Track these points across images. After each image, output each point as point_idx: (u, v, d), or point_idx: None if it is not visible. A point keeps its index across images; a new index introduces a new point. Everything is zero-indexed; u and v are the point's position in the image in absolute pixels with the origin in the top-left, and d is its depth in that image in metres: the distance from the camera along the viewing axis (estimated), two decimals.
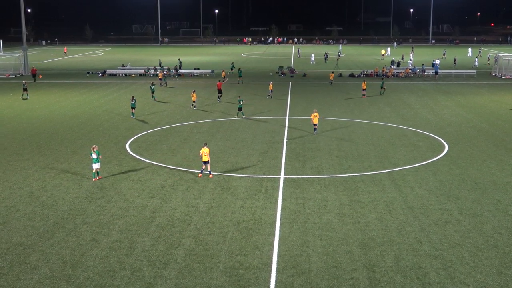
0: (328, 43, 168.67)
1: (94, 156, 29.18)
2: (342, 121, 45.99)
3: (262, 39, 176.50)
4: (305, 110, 50.97)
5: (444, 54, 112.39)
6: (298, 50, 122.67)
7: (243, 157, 33.93)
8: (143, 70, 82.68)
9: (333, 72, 75.37)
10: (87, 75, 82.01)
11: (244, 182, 29.14)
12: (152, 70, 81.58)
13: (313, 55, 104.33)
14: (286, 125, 44.27)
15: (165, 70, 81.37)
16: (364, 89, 58.87)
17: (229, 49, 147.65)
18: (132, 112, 47.59)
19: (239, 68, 76.50)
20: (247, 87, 67.68)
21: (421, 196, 26.83)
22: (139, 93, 62.75)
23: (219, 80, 61.75)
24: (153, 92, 57.54)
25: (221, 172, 30.84)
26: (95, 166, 29.33)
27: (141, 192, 27.55)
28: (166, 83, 69.14)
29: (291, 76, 78.94)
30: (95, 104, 55.14)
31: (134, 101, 47.90)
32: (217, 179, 29.57)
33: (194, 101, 51.93)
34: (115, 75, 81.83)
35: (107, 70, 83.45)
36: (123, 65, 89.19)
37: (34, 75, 74.61)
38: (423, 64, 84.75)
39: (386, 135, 40.55)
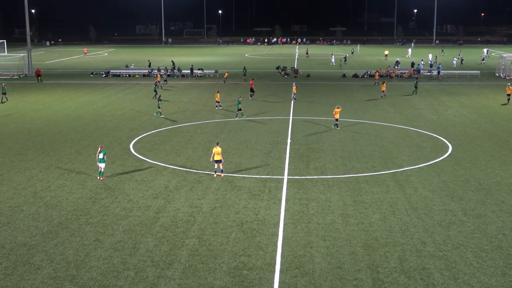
0: (332, 44, 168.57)
1: (100, 156, 29.27)
2: (346, 121, 45.94)
3: (266, 39, 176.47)
4: (309, 111, 50.93)
5: (442, 51, 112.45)
6: (306, 51, 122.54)
7: (247, 158, 33.93)
8: (147, 71, 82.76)
9: (377, 72, 74.74)
10: (91, 75, 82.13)
11: (248, 182, 29.14)
12: (156, 71, 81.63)
13: (333, 56, 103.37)
14: (290, 125, 44.24)
15: (168, 71, 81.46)
16: (383, 91, 58.83)
17: (232, 49, 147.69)
18: (158, 111, 47.72)
19: (244, 67, 76.51)
20: (248, 87, 67.56)
21: (425, 197, 26.78)
22: (143, 93, 62.84)
23: (252, 79, 63.13)
24: (155, 91, 57.87)
25: (224, 173, 30.83)
26: (101, 165, 29.44)
27: (144, 192, 27.57)
28: (166, 81, 69.62)
29: (295, 77, 78.87)
30: (99, 105, 55.23)
31: (160, 101, 48.10)
32: (220, 180, 29.58)
33: (218, 102, 51.89)
34: (119, 75, 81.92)
35: (111, 71, 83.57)
36: (126, 66, 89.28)
37: (38, 75, 74.80)
38: (432, 63, 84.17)
39: (390, 136, 40.49)
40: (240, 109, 47.06)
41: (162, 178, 29.94)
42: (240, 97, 49.22)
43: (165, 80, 70.11)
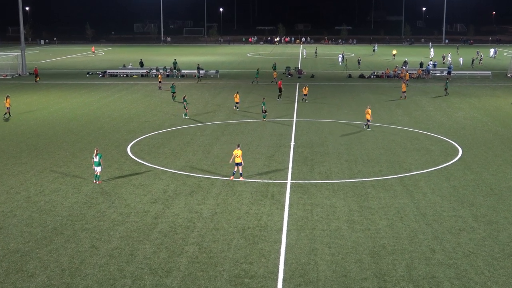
0: (338, 43, 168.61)
1: (96, 159, 29.29)
2: (352, 123, 45.93)
3: (269, 38, 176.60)
4: (313, 113, 50.93)
5: (457, 51, 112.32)
6: (315, 50, 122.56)
7: (249, 161, 33.90)
8: (145, 71, 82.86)
9: (405, 72, 74.37)
10: (87, 75, 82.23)
11: (250, 187, 29.11)
12: (154, 71, 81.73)
13: (340, 55, 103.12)
14: (294, 128, 44.23)
15: (168, 71, 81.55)
16: (404, 91, 58.82)
17: (234, 49, 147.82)
18: (185, 113, 47.93)
19: (258, 69, 76.53)
20: (253, 88, 67.67)
21: (434, 202, 26.73)
22: (141, 94, 62.90)
23: (281, 79, 63.35)
24: (174, 92, 57.98)
25: (225, 177, 30.83)
26: (97, 169, 29.46)
27: (142, 197, 27.56)
28: (200, 78, 72.08)
29: (299, 77, 78.91)
30: (95, 106, 55.29)
31: (185, 101, 48.16)
32: (221, 184, 29.57)
33: (237, 103, 52.20)
34: (116, 75, 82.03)
35: (108, 71, 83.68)
36: (124, 66, 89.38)
37: (36, 75, 74.95)
38: (443, 62, 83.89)
39: (398, 139, 40.45)
40: (264, 110, 46.98)
41: (160, 182, 29.92)
42: (264, 98, 48.83)
43: (199, 77, 74.60)
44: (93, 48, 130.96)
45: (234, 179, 30.18)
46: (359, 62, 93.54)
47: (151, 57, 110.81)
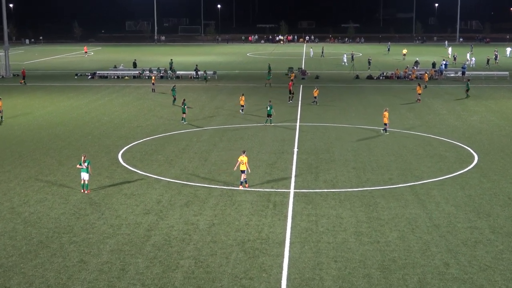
0: (344, 42, 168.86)
1: (84, 165, 29.32)
2: (360, 128, 45.95)
3: (270, 37, 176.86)
4: (318, 116, 50.95)
5: (471, 50, 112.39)
6: (322, 50, 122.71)
7: (249, 169, 33.85)
8: (137, 72, 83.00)
9: (426, 73, 74.37)
10: (76, 77, 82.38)
11: (250, 196, 29.10)
12: (147, 72, 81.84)
13: (345, 55, 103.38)
14: (297, 133, 44.25)
15: (162, 72, 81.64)
16: (419, 94, 58.84)
17: (233, 48, 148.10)
18: (182, 117, 47.83)
19: (269, 70, 76.48)
20: (252, 91, 67.74)
21: (448, 213, 26.72)
22: (133, 97, 62.95)
23: (291, 80, 63.90)
24: (174, 96, 57.58)
25: (224, 186, 30.83)
26: (84, 177, 29.47)
27: (134, 207, 27.55)
28: (206, 79, 72.97)
29: (302, 78, 78.99)
30: (84, 110, 55.34)
31: (184, 105, 47.95)
32: (219, 193, 29.56)
33: (242, 106, 52.38)
34: (106, 77, 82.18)
35: (98, 72, 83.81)
36: (115, 66, 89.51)
37: (24, 77, 75.01)
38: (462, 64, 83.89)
39: (409, 144, 40.46)
40: (270, 115, 46.88)
41: (154, 192, 29.92)
42: (270, 101, 48.77)
43: (205, 78, 75.27)
44: (85, 47, 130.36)
45: (242, 188, 30.27)
46: (369, 63, 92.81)
47: (144, 57, 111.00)
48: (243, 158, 30.22)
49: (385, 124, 43.67)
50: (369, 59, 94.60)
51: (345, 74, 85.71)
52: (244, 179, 30.53)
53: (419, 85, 61.03)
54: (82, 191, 29.68)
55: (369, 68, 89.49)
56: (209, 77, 77.24)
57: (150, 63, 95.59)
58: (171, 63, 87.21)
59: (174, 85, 61.12)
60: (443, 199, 28.64)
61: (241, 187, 30.39)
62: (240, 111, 52.56)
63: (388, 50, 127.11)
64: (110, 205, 27.87)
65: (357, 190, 30.22)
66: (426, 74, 72.96)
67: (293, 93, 59.44)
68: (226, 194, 29.44)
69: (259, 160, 36.06)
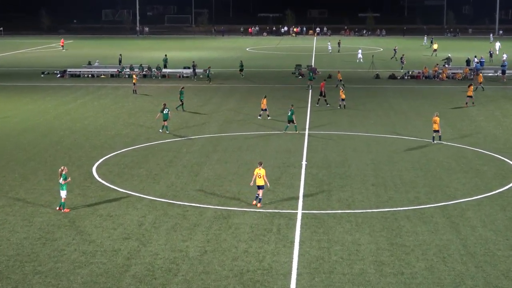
0: (362, 35, 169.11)
1: (60, 180, 29.49)
2: (380, 137, 45.94)
3: (274, 28, 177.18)
4: (331, 123, 50.95)
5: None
6: (339, 44, 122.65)
7: (248, 186, 33.85)
8: (116, 70, 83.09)
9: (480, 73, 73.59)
10: (42, 76, 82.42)
11: (249, 218, 29.08)
12: (128, 70, 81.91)
13: (360, 51, 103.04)
14: (306, 142, 44.27)
15: (145, 70, 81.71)
16: (469, 96, 58.70)
17: (230, 42, 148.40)
18: (163, 125, 47.44)
19: (310, 68, 76.17)
20: (250, 92, 67.81)
21: (486, 239, 26.68)
22: (110, 100, 63.00)
23: (324, 80, 64.44)
24: (182, 100, 56.83)
25: (218, 206, 30.80)
26: (62, 193, 29.67)
27: (112, 231, 27.52)
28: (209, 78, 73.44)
29: (313, 78, 78.91)
30: (52, 114, 55.38)
31: (166, 110, 47.47)
32: (212, 215, 29.54)
33: (264, 109, 52.42)
34: (79, 75, 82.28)
35: (69, 70, 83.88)
36: (89, 63, 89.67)
37: None
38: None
39: (439, 157, 40.47)
40: (293, 121, 46.88)
41: (135, 213, 29.90)
42: (292, 105, 48.66)
43: (208, 77, 74.77)
44: (62, 40, 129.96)
45: (260, 205, 30.56)
46: (402, 61, 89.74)
47: (124, 53, 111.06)
48: (260, 171, 30.43)
49: (435, 131, 43.70)
50: (402, 58, 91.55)
51: (363, 73, 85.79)
52: (260, 196, 30.66)
53: (471, 85, 60.48)
54: (61, 210, 29.74)
55: (402, 67, 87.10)
56: (211, 74, 76.16)
57: (132, 60, 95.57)
58: (165, 60, 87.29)
59: (183, 87, 59.38)
60: (480, 222, 28.60)
61: (254, 203, 30.72)
62: (259, 116, 52.50)
63: (431, 42, 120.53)
64: (83, 228, 27.83)
65: (377, 211, 30.19)
66: (481, 75, 71.96)
67: (325, 95, 59.05)
68: (221, 216, 29.41)
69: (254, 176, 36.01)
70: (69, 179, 30.40)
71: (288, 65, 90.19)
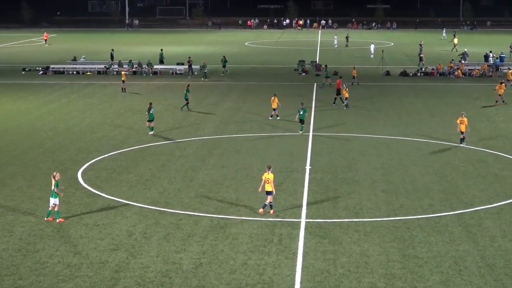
0: (370, 28, 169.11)
1: (52, 187, 29.56)
2: (390, 139, 45.93)
3: (275, 21, 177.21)
4: (337, 124, 50.95)
5: None
6: (347, 38, 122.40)
7: (247, 192, 33.87)
8: (103, 66, 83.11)
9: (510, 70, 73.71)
10: (23, 72, 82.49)
11: (248, 228, 29.07)
12: (116, 67, 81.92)
13: (372, 45, 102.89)
14: (310, 145, 44.26)
15: (135, 66, 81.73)
16: (500, 95, 58.64)
17: (226, 35, 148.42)
18: (149, 126, 47.49)
19: (326, 65, 75.86)
20: (249, 90, 67.82)
21: (506, 250, 26.67)
22: (97, 99, 63.01)
23: (340, 77, 64.98)
24: (187, 99, 56.66)
25: (214, 214, 30.78)
26: (52, 201, 29.65)
27: (98, 242, 27.50)
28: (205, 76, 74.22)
29: (316, 75, 78.95)
30: (34, 115, 55.38)
31: (152, 110, 47.41)
32: (208, 224, 29.51)
33: (274, 109, 52.52)
34: (63, 72, 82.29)
35: (52, 66, 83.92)
36: (74, 59, 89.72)
37: None
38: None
39: (454, 160, 40.46)
40: (303, 121, 47.26)
41: (124, 222, 29.88)
42: (303, 104, 48.62)
43: (205, 73, 75.41)
44: (45, 34, 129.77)
45: (273, 212, 30.66)
46: (420, 58, 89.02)
47: (112, 47, 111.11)
48: (269, 176, 30.49)
49: (462, 133, 43.68)
50: (420, 55, 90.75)
51: (372, 69, 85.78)
52: (270, 202, 30.68)
53: (501, 83, 60.37)
54: (56, 220, 29.71)
55: (422, 64, 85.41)
56: (206, 70, 76.19)
57: (120, 55, 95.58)
58: (161, 55, 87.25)
59: (188, 84, 59.40)
60: (499, 232, 28.59)
61: (261, 211, 30.69)
62: (270, 117, 52.59)
63: (454, 36, 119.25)
64: (67, 239, 27.82)
65: (388, 219, 30.18)
66: (510, 71, 71.60)
67: (341, 94, 58.97)
68: (218, 225, 29.40)
69: (260, 181, 35.97)
70: (62, 190, 30.27)
71: (291, 61, 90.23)
